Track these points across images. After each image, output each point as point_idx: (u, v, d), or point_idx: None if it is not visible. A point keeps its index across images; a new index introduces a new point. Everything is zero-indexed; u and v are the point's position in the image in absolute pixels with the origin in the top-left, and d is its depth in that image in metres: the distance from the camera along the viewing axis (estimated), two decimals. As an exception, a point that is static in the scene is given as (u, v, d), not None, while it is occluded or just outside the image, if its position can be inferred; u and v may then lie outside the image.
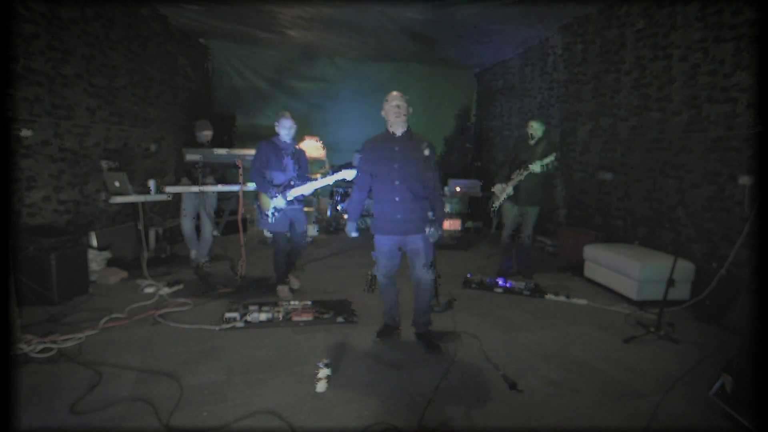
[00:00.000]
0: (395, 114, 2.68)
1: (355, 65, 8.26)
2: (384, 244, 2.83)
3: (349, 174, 3.48)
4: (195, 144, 4.51)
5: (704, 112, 3.92)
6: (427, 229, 2.66)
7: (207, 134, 4.53)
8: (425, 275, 2.80)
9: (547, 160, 4.13)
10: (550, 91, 6.42)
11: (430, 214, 2.67)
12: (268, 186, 3.53)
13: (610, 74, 5.11)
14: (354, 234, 2.93)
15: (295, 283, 4.03)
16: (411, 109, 2.75)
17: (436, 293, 2.93)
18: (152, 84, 5.72)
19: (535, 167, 4.17)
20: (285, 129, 3.57)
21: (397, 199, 2.71)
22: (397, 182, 2.70)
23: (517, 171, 4.35)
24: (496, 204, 4.57)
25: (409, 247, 2.80)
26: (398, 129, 2.73)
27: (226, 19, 6.08)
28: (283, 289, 3.83)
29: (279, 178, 3.59)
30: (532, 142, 4.42)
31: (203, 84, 7.41)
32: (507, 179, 4.47)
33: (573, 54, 5.83)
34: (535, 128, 4.39)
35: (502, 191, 4.49)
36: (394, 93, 2.73)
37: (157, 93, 5.87)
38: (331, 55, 8.09)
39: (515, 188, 4.39)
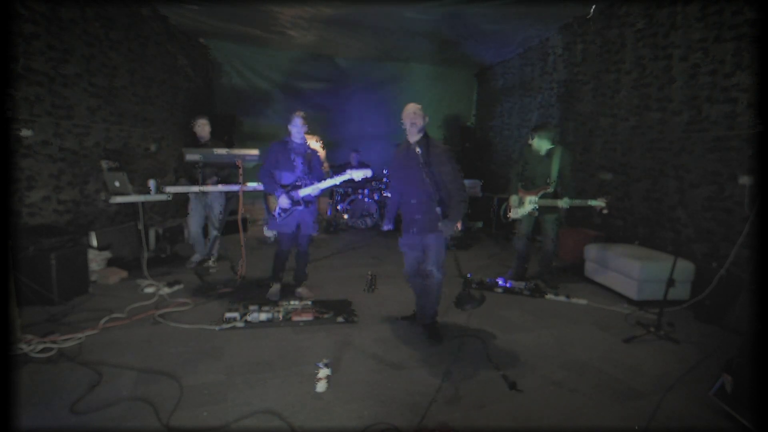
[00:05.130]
0: (409, 123, 2.89)
1: (355, 65, 8.27)
2: (406, 241, 3.07)
3: (357, 174, 3.48)
4: (195, 142, 4.53)
5: (704, 112, 3.92)
6: (439, 225, 2.83)
7: (207, 130, 4.58)
8: (434, 273, 2.97)
9: (594, 203, 3.78)
10: (550, 91, 6.42)
11: (438, 210, 2.80)
12: (275, 186, 3.50)
13: (610, 74, 5.11)
14: (388, 227, 3.30)
15: (307, 295, 3.81)
16: (427, 119, 2.95)
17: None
18: (152, 84, 5.72)
19: (564, 203, 3.88)
20: (296, 128, 3.51)
21: (413, 201, 2.96)
22: (414, 186, 2.92)
23: (540, 188, 4.04)
24: (512, 216, 4.29)
25: (425, 243, 2.98)
26: (413, 137, 2.92)
27: (226, 19, 6.08)
28: (273, 289, 3.76)
29: (288, 178, 3.54)
30: (542, 153, 4.07)
31: (203, 84, 7.41)
32: (523, 190, 4.19)
33: (573, 54, 5.83)
34: (538, 145, 4.05)
35: (519, 205, 4.20)
36: (410, 105, 2.93)
37: (157, 93, 5.87)
38: (331, 55, 8.10)
39: (539, 207, 4.08)
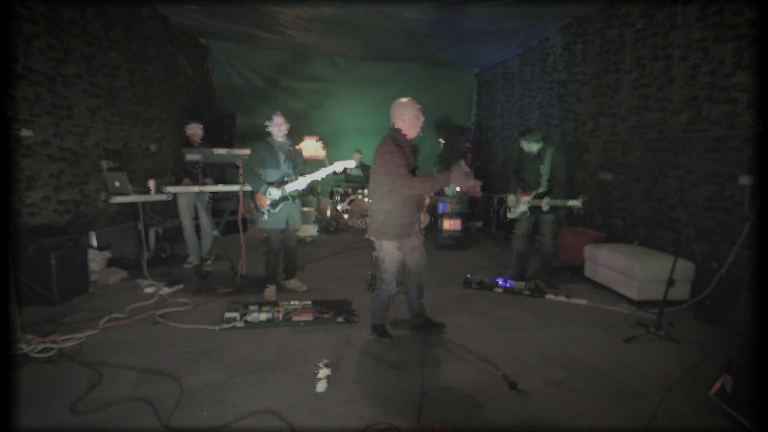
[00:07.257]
0: (420, 121, 2.87)
1: (355, 65, 8.27)
2: (401, 246, 2.85)
3: (339, 166, 3.56)
4: (189, 145, 4.56)
5: (704, 112, 3.92)
6: (421, 220, 2.92)
7: (198, 134, 4.62)
8: (426, 268, 3.02)
9: (572, 203, 3.83)
10: (550, 91, 6.42)
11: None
12: (260, 183, 3.59)
13: (610, 74, 5.11)
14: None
15: (300, 287, 4.01)
16: None
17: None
18: (152, 84, 5.72)
19: (545, 204, 3.96)
20: (276, 127, 3.65)
21: (415, 200, 2.86)
22: None
23: (535, 189, 4.11)
24: (510, 216, 4.37)
25: (413, 245, 2.91)
26: (414, 135, 2.89)
27: (226, 19, 6.08)
28: (270, 291, 3.79)
29: (273, 175, 3.65)
30: (533, 154, 4.17)
31: (203, 84, 7.41)
32: (521, 191, 4.26)
33: (573, 54, 5.83)
34: (527, 147, 4.17)
35: (516, 205, 4.27)
36: (410, 100, 2.88)
37: (157, 93, 5.87)
38: (331, 55, 8.09)
39: (530, 207, 4.15)
